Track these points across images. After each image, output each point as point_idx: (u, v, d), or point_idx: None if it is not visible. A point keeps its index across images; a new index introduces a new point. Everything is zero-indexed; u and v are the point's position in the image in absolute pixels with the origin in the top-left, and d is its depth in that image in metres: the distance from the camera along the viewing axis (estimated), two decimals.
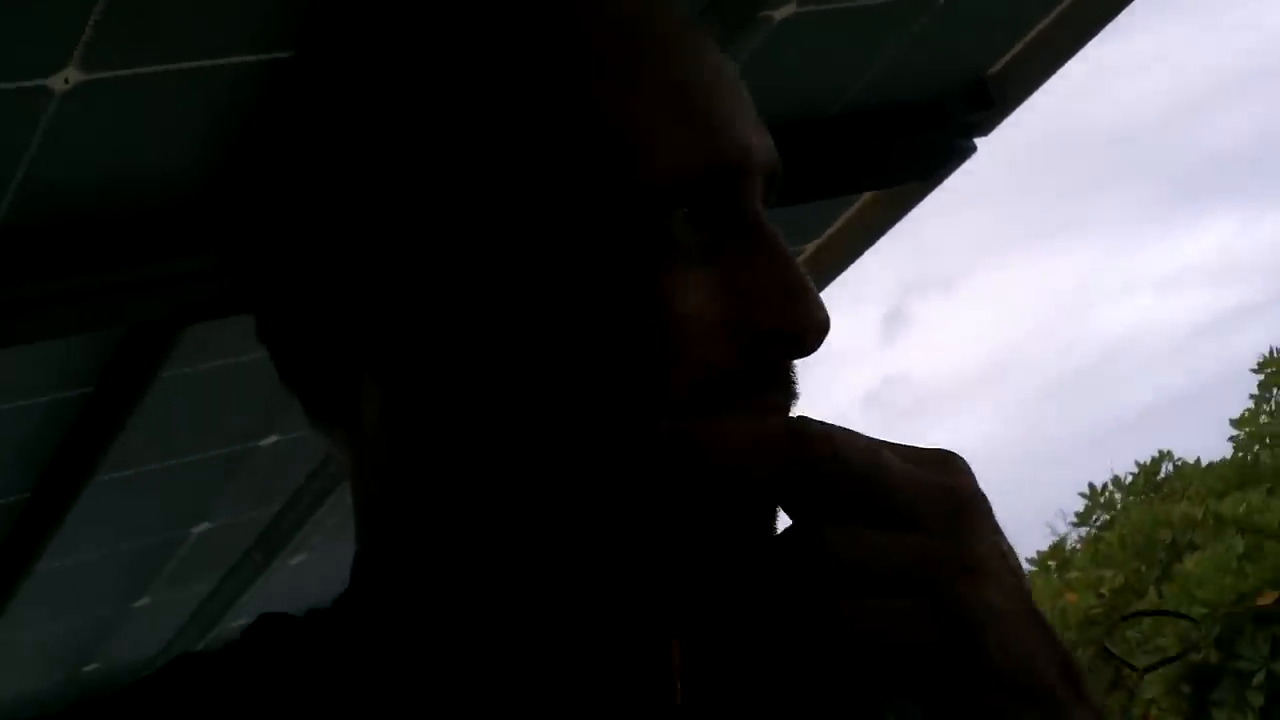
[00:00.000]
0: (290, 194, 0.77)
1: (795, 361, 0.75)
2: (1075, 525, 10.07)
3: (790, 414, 0.75)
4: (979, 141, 2.18)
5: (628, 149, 0.71)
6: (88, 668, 3.12)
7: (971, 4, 1.87)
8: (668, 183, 0.71)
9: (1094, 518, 10.25)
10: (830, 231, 2.41)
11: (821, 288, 2.45)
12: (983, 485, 0.70)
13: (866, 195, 2.33)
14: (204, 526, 2.57)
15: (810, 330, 0.73)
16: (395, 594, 0.78)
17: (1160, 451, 10.34)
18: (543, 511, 0.73)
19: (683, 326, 0.71)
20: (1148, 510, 9.17)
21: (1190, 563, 7.81)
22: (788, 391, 0.75)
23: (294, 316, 0.77)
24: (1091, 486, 10.43)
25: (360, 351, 0.76)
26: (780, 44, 1.76)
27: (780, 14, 1.70)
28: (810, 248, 2.44)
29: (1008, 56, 2.06)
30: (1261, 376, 9.35)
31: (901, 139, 2.12)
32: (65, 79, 1.33)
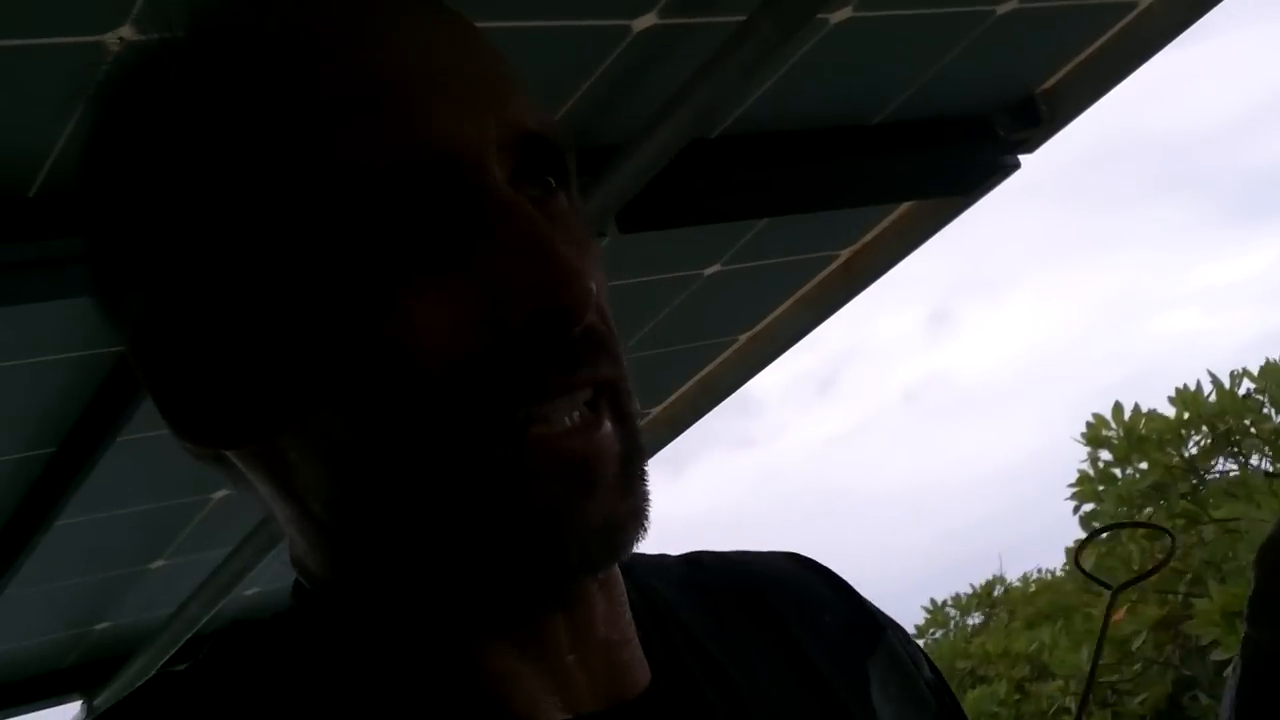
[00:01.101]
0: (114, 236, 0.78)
1: (579, 330, 0.72)
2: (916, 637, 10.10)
3: (583, 379, 0.72)
4: (1025, 158, 2.17)
5: (318, 168, 0.70)
6: (99, 626, 3.13)
7: (1028, 19, 1.86)
8: (365, 190, 0.70)
9: (930, 633, 10.53)
10: (865, 239, 2.41)
11: (853, 295, 2.47)
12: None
13: (905, 205, 2.32)
14: (223, 492, 2.58)
15: (572, 303, 0.70)
16: (336, 611, 0.79)
17: (994, 576, 10.63)
18: (391, 529, 0.74)
19: (417, 336, 0.70)
20: (950, 644, 9.47)
21: (970, 697, 7.97)
22: (571, 362, 0.72)
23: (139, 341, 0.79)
24: (933, 602, 10.73)
25: (196, 425, 0.78)
26: (832, 48, 1.76)
27: (836, 17, 1.70)
28: (845, 254, 2.44)
29: (1059, 75, 2.06)
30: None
31: (945, 152, 2.12)
32: (120, 37, 1.33)
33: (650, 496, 0.75)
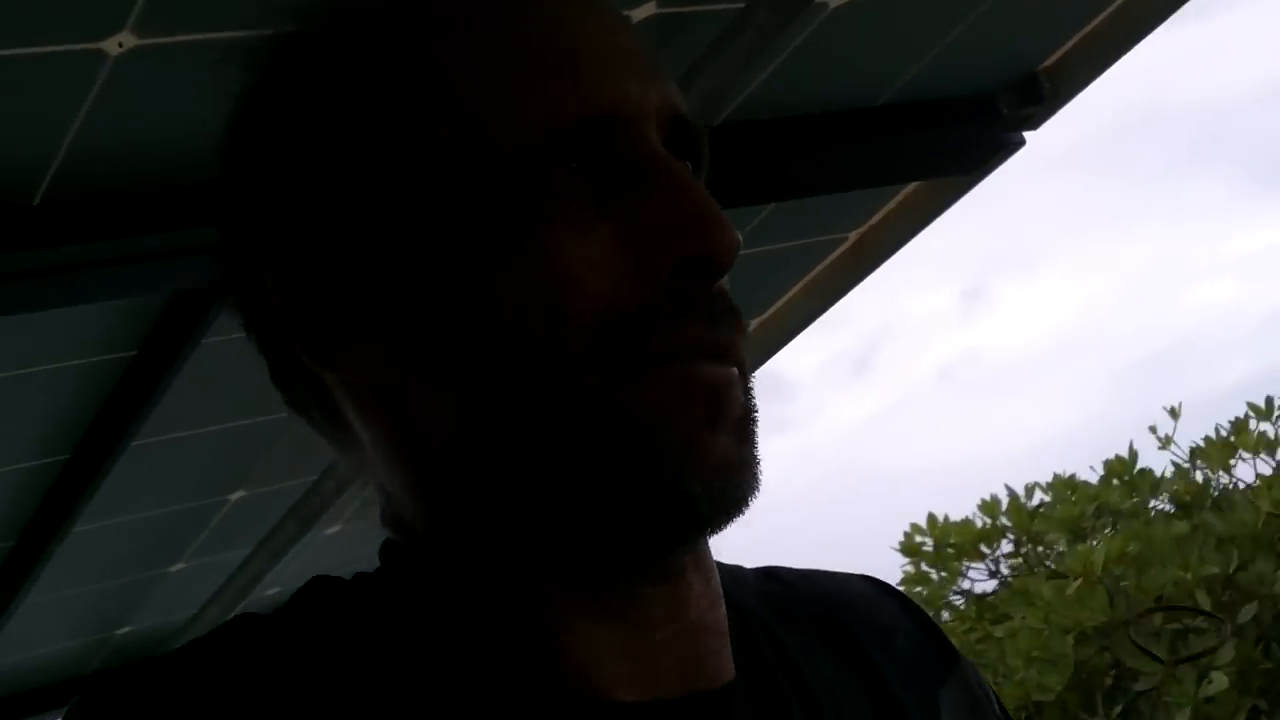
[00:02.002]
0: (261, 211, 0.82)
1: (717, 285, 0.76)
2: None
3: (724, 341, 0.75)
4: (1029, 135, 2.16)
5: (496, 116, 0.75)
6: (120, 631, 3.14)
7: None
8: (539, 139, 0.74)
9: None
10: (873, 220, 2.40)
11: (862, 277, 2.46)
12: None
13: (911, 185, 2.32)
14: (240, 494, 2.59)
15: (720, 250, 0.75)
16: (426, 570, 0.80)
17: None
18: (512, 469, 0.76)
19: (573, 276, 0.73)
20: None
21: None
22: (713, 319, 0.75)
23: (270, 313, 0.81)
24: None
25: (329, 346, 0.80)
26: (832, 31, 1.75)
27: (835, 1, 1.70)
28: (852, 235, 2.44)
29: (1060, 51, 2.05)
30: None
31: (949, 132, 2.11)
32: (119, 43, 1.34)
33: (762, 460, 0.77)
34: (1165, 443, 6.92)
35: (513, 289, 0.74)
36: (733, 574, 0.90)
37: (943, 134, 2.12)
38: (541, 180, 0.74)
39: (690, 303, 0.74)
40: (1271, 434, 6.83)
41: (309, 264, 0.80)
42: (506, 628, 0.77)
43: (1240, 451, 6.89)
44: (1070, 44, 2.04)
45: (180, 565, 2.85)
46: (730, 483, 0.75)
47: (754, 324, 2.64)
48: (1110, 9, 1.97)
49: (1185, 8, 1.94)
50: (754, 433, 0.77)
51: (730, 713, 0.80)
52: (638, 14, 1.60)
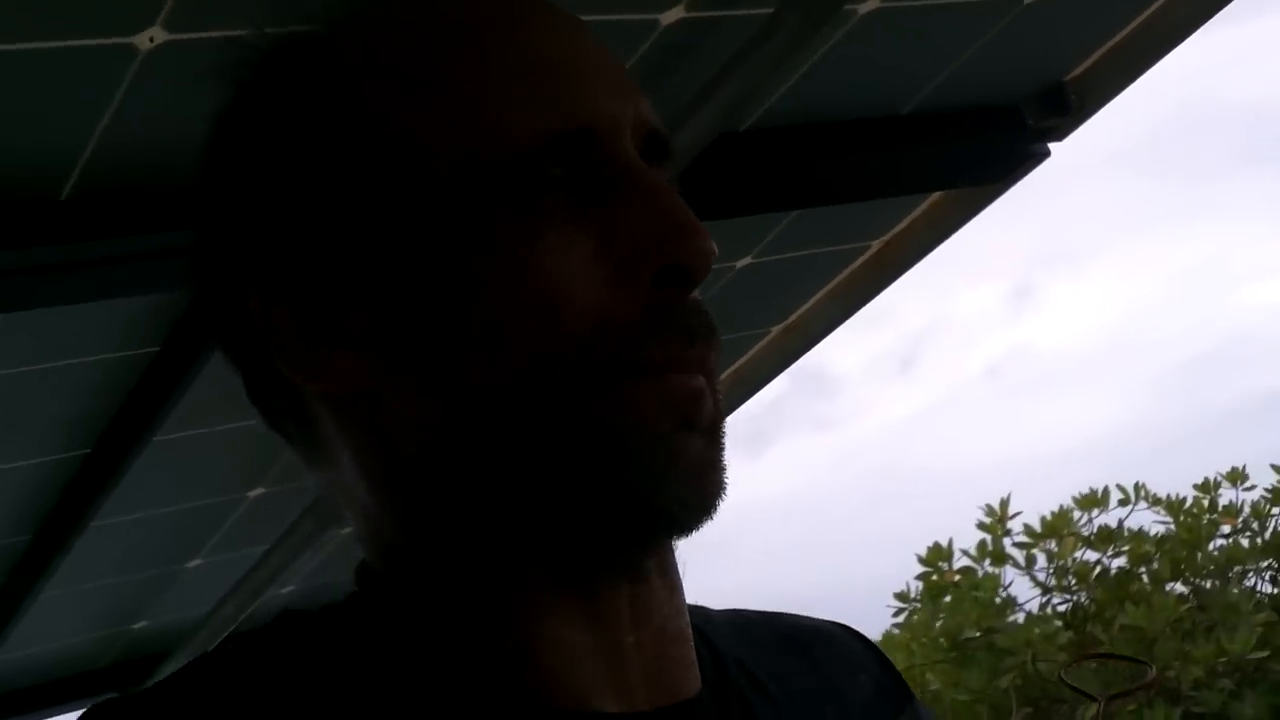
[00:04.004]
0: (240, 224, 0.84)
1: (696, 301, 0.79)
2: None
3: (698, 358, 0.78)
4: (1055, 146, 2.16)
5: (479, 128, 0.77)
6: (136, 625, 3.15)
7: (1056, 7, 1.85)
8: (521, 150, 0.76)
9: None
10: (897, 229, 2.40)
11: (884, 286, 2.46)
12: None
13: (935, 195, 2.32)
14: (259, 491, 2.59)
15: (697, 258, 0.77)
16: (407, 585, 0.82)
17: None
18: (492, 471, 0.77)
19: (557, 287, 0.75)
20: None
21: None
22: (690, 335, 0.77)
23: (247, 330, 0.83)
24: None
25: (311, 357, 0.81)
26: (860, 39, 1.75)
27: (864, 8, 1.69)
28: (876, 244, 2.43)
29: (1087, 62, 2.05)
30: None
31: (975, 141, 2.11)
32: (150, 38, 1.34)
33: (729, 467, 0.79)
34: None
35: (497, 299, 0.75)
36: (701, 613, 0.92)
37: (968, 144, 2.11)
38: (524, 191, 0.76)
39: (669, 319, 0.76)
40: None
41: (290, 273, 0.81)
42: (482, 640, 0.79)
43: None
44: (1097, 55, 2.03)
45: (198, 561, 2.85)
46: (702, 485, 0.77)
47: (776, 330, 2.64)
48: (1138, 21, 1.96)
49: (1210, 18, 1.93)
50: (722, 437, 0.80)
51: None
52: (666, 17, 1.60)
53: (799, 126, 1.96)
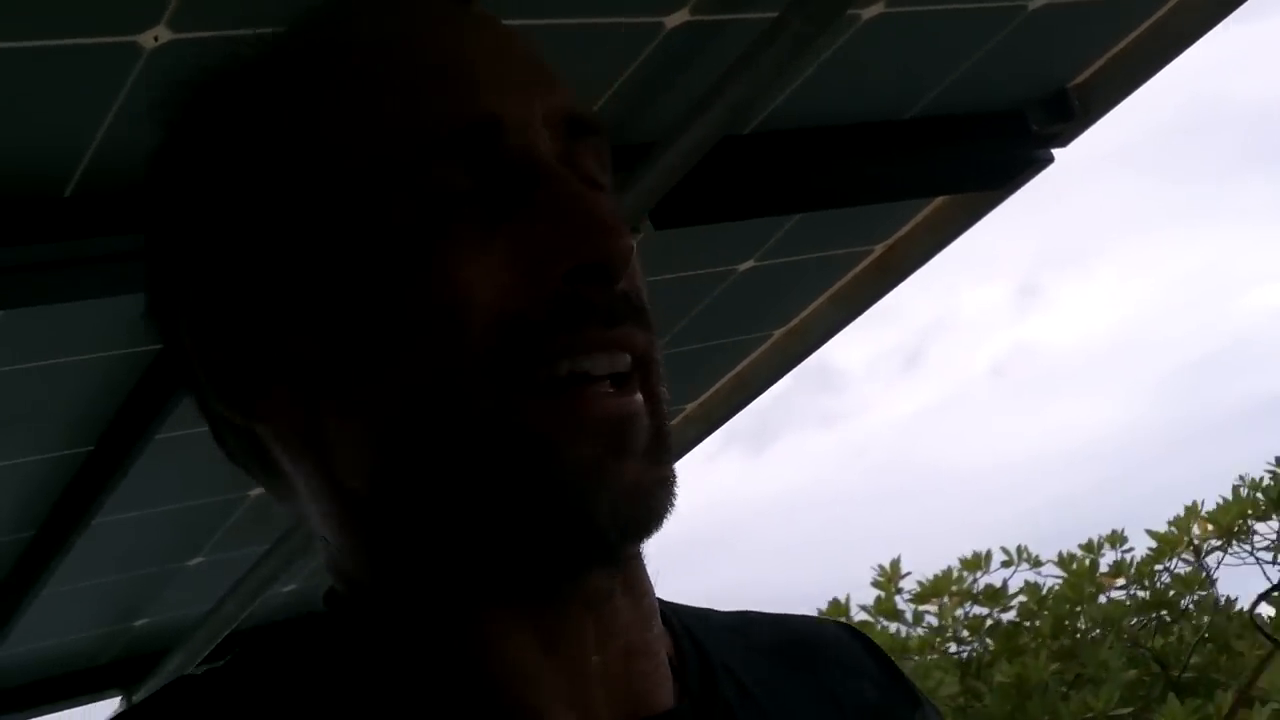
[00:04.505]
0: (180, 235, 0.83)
1: (618, 288, 0.76)
2: None
3: (621, 338, 0.75)
4: (1058, 152, 2.16)
5: (385, 132, 0.76)
6: (137, 623, 3.15)
7: (1060, 13, 1.86)
8: (425, 148, 0.75)
9: None
10: (899, 234, 2.40)
11: (886, 291, 2.46)
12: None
13: (938, 200, 2.32)
14: (260, 491, 2.58)
15: (610, 257, 0.75)
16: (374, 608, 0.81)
17: None
18: (426, 497, 0.76)
19: (465, 293, 0.73)
20: None
21: None
22: (611, 317, 0.75)
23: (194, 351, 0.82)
24: None
25: (248, 396, 0.80)
26: (864, 43, 1.75)
27: (868, 13, 1.70)
28: (878, 249, 2.44)
29: (1091, 69, 2.05)
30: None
31: (978, 147, 2.11)
32: (155, 36, 1.34)
33: (677, 474, 0.77)
34: None
35: (408, 312, 0.74)
36: (700, 615, 0.91)
37: (971, 149, 2.12)
38: (432, 202, 0.75)
39: (583, 309, 0.74)
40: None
41: (219, 305, 0.80)
42: (437, 664, 0.78)
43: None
44: (1101, 62, 2.04)
45: (199, 559, 2.85)
46: (640, 508, 0.75)
47: (778, 333, 2.64)
48: (1142, 28, 1.96)
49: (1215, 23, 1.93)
50: (666, 451, 0.77)
51: None
52: (670, 20, 1.60)
53: (803, 130, 1.96)
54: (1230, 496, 7.27)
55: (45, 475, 2.30)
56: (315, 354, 0.77)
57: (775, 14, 1.54)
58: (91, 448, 2.23)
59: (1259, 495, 7.23)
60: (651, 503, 0.75)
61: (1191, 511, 7.51)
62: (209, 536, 2.76)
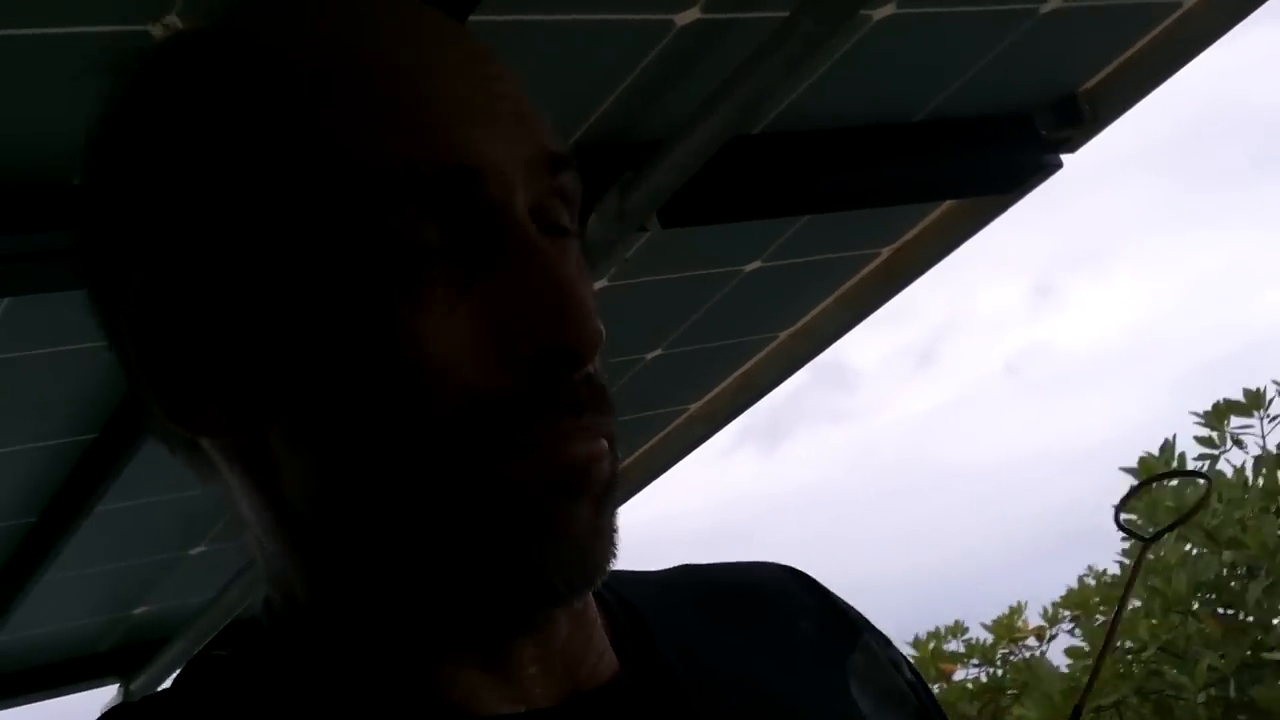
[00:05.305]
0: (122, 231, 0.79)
1: (586, 373, 0.74)
2: None
3: (587, 427, 0.74)
4: (1067, 157, 2.16)
5: (354, 161, 0.72)
6: (137, 610, 3.15)
7: (1071, 18, 1.85)
8: (397, 187, 0.71)
9: None
10: (906, 238, 2.40)
11: (893, 294, 2.47)
12: None
13: (945, 204, 2.32)
14: None
15: (582, 343, 0.72)
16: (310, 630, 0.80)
17: None
18: (370, 538, 0.75)
19: (435, 360, 0.71)
20: None
21: None
22: (577, 408, 0.73)
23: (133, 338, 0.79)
24: None
25: (186, 405, 0.77)
26: (875, 44, 1.75)
27: (879, 14, 1.70)
28: (885, 252, 2.44)
29: (1101, 74, 2.05)
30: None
31: (987, 151, 2.11)
32: (165, 26, 1.34)
33: (619, 530, 0.77)
34: None
35: (373, 361, 0.71)
36: (635, 578, 0.91)
37: (979, 154, 2.11)
38: (398, 242, 0.71)
39: (551, 399, 0.72)
40: None
41: (162, 314, 0.77)
42: (382, 677, 0.77)
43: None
44: (1111, 67, 2.04)
45: (200, 549, 2.86)
46: (586, 557, 0.74)
47: (784, 335, 2.64)
48: (1153, 34, 1.96)
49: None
50: (612, 501, 0.76)
51: (611, 709, 0.80)
52: (681, 18, 1.60)
53: (812, 131, 1.96)
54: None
55: (48, 462, 2.30)
56: (264, 380, 0.75)
57: (786, 13, 1.54)
58: (95, 435, 2.24)
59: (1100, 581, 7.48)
60: (596, 551, 0.75)
61: (1015, 610, 7.81)
62: (210, 525, 2.76)
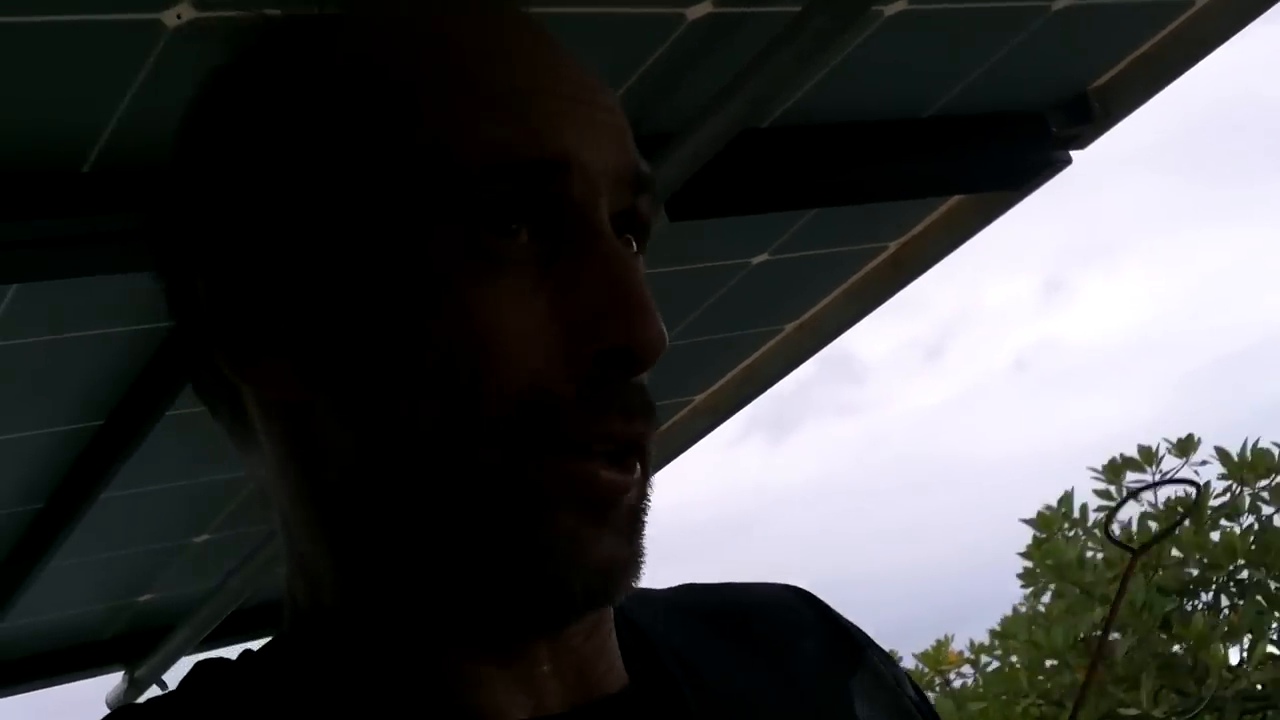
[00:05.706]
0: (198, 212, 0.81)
1: (638, 379, 0.75)
2: None
3: (635, 436, 0.75)
4: (1076, 154, 2.16)
5: (445, 143, 0.74)
6: (142, 598, 3.16)
7: (1082, 15, 1.85)
8: (488, 170, 0.73)
9: None
10: (914, 232, 2.40)
11: (900, 288, 2.47)
12: None
13: (954, 199, 2.32)
14: None
15: (646, 346, 0.74)
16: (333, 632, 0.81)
17: None
18: (405, 519, 0.76)
19: (502, 345, 0.72)
20: None
21: None
22: (628, 413, 0.75)
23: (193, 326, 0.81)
24: None
25: (245, 356, 0.79)
26: (886, 40, 1.75)
27: (891, 9, 1.70)
28: (893, 246, 2.43)
29: (1112, 72, 2.04)
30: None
31: (996, 147, 2.11)
32: (178, 14, 1.35)
33: (646, 550, 0.78)
34: None
35: (439, 340, 0.73)
36: (639, 595, 0.90)
37: (989, 149, 2.11)
38: (485, 234, 0.73)
39: (608, 398, 0.74)
40: None
41: (239, 268, 0.78)
42: (399, 670, 0.78)
43: None
44: (1122, 65, 2.03)
45: (205, 537, 2.86)
46: (612, 578, 0.76)
47: (790, 327, 2.64)
48: (1164, 32, 1.96)
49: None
50: (640, 528, 0.77)
51: (619, 718, 0.81)
52: (693, 12, 1.60)
53: (821, 126, 1.96)
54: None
55: (55, 448, 2.31)
56: (326, 346, 0.76)
57: (798, 9, 1.54)
58: (102, 422, 2.24)
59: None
60: (621, 578, 0.76)
61: (942, 643, 8.05)
62: (216, 513, 2.77)
